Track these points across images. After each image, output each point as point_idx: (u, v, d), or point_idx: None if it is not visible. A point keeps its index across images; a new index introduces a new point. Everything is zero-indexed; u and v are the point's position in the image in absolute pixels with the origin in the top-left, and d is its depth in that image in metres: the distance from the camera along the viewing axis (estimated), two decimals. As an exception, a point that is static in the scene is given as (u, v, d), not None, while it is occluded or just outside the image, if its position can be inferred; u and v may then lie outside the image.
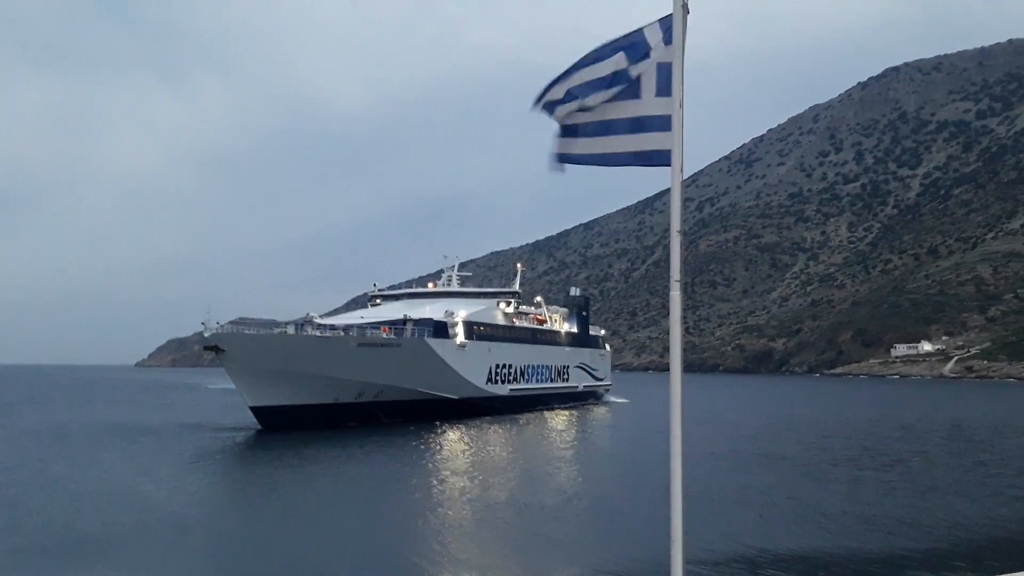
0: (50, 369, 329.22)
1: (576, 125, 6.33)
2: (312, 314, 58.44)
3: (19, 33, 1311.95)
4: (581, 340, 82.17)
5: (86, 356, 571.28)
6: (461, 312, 60.47)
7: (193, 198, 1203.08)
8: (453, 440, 43.25)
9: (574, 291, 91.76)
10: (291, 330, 50.06)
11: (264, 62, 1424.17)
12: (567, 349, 78.07)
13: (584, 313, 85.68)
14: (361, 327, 54.28)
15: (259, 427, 47.28)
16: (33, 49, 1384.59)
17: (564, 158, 6.35)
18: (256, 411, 47.27)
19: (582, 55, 6.24)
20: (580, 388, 79.91)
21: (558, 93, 6.29)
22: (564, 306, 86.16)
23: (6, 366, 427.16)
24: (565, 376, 76.90)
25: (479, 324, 62.36)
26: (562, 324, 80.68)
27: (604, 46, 6.15)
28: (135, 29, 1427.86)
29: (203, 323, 45.61)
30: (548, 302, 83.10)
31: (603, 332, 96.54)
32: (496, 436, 46.12)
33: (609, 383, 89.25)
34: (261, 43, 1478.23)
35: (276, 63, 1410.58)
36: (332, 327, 53.85)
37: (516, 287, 76.17)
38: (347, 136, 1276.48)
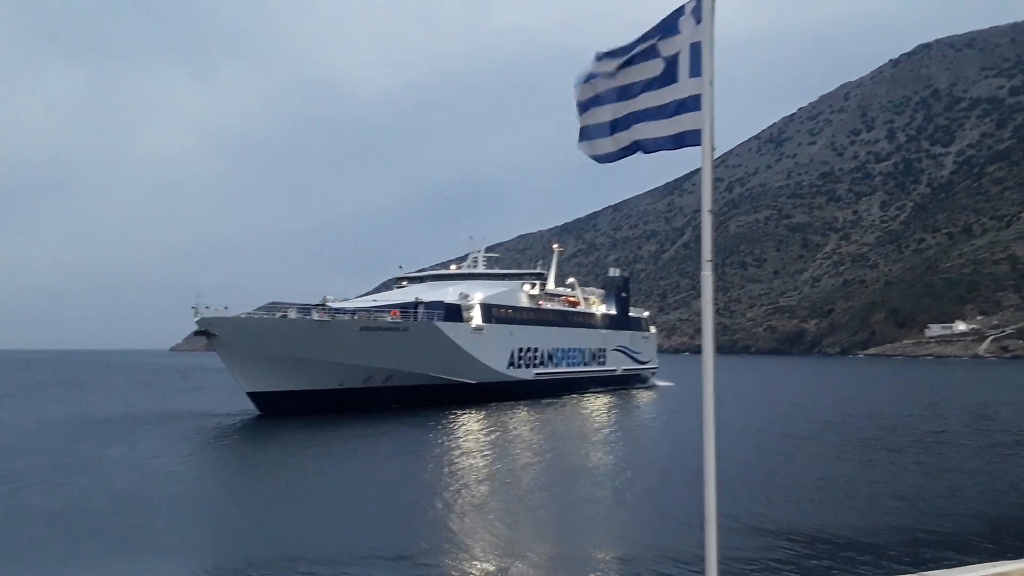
0: (83, 355, 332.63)
1: (610, 122, 6.28)
2: (328, 297, 57.45)
3: (50, 24, 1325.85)
4: (620, 322, 79.98)
5: (121, 341, 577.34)
6: (478, 294, 59.24)
7: (223, 184, 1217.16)
8: (467, 425, 42.94)
9: (613, 272, 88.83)
10: (293, 314, 48.44)
11: (289, 48, 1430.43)
12: (603, 332, 76.16)
13: (624, 294, 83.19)
14: (368, 311, 53.41)
15: (258, 412, 46.49)
16: (64, 40, 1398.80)
17: (604, 158, 6.33)
18: (254, 396, 46.46)
19: (620, 51, 6.18)
20: (619, 371, 77.94)
21: (588, 93, 6.26)
22: (602, 287, 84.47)
23: (40, 351, 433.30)
24: (601, 359, 75.22)
25: (500, 306, 61.16)
26: (599, 306, 79.02)
27: (643, 45, 6.07)
28: (162, 17, 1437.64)
29: (193, 307, 44.29)
30: (579, 284, 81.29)
31: (646, 314, 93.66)
32: (515, 421, 45.72)
33: (655, 366, 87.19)
34: (286, 29, 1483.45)
35: (301, 49, 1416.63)
36: (341, 311, 52.71)
37: (552, 269, 74.89)
38: (375, 120, 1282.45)
